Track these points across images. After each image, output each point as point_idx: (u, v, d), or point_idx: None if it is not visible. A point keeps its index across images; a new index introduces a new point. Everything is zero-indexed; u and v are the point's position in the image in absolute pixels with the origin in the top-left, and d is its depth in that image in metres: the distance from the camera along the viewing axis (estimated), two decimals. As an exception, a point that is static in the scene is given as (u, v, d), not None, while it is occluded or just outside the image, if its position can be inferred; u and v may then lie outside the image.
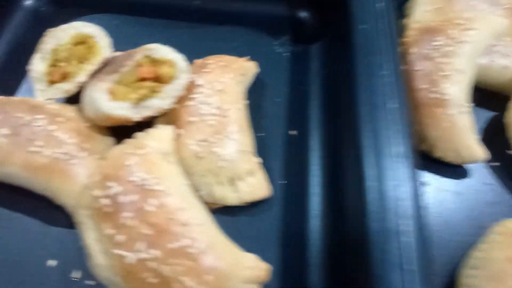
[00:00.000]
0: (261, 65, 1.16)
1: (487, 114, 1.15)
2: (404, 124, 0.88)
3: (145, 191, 0.80)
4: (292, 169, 1.04)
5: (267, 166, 1.01)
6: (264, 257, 0.84)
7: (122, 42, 1.16)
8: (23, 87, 1.15)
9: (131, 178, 0.81)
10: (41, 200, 0.92)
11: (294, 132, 1.10)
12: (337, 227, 0.92)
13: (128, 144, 0.88)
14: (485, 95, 1.15)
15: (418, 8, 1.29)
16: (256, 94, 1.15)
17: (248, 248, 0.85)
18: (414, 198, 0.79)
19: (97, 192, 0.81)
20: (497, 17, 1.17)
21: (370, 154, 0.85)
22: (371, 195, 0.80)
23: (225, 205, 0.94)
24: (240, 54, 1.22)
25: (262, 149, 1.04)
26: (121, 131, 0.99)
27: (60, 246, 0.90)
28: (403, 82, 0.95)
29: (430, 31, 1.12)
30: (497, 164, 1.06)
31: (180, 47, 1.23)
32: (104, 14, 1.33)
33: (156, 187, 0.80)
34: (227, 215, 0.95)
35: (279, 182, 1.01)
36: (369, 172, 0.83)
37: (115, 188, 0.80)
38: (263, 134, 1.08)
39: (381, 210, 0.78)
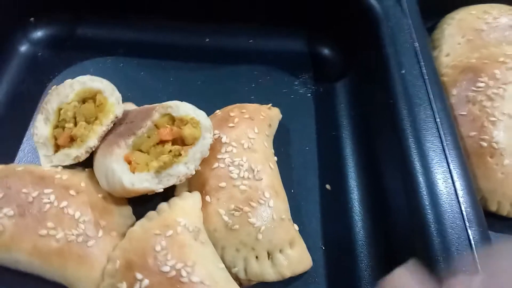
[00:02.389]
0: (284, 108, 1.07)
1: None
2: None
3: (179, 283, 0.69)
4: (332, 229, 0.93)
5: (302, 229, 0.90)
6: None
7: (130, 88, 1.06)
8: (25, 146, 1.03)
9: (162, 268, 0.69)
10: (55, 286, 0.80)
11: (329, 187, 0.99)
12: None
13: (152, 222, 0.77)
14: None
15: (447, 40, 1.20)
16: (282, 143, 1.05)
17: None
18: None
19: (122, 285, 0.70)
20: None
21: (430, 216, 0.76)
22: (435, 250, 0.72)
23: (262, 281, 0.83)
24: (259, 96, 1.14)
25: (295, 208, 0.93)
26: (138, 197, 0.88)
27: None
28: (456, 131, 0.86)
29: (470, 71, 1.03)
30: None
31: (193, 91, 1.15)
32: (107, 56, 1.22)
33: (192, 278, 0.69)
34: (266, 293, 0.84)
35: (320, 246, 0.91)
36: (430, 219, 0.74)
37: (144, 281, 0.69)
38: (295, 190, 0.97)
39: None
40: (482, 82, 0.98)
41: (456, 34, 1.18)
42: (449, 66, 1.07)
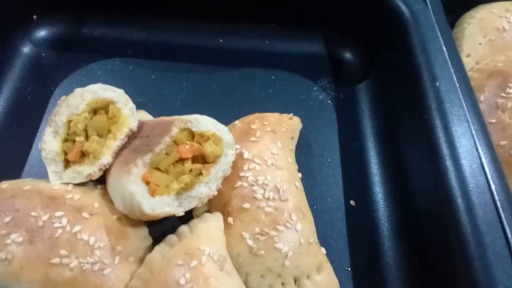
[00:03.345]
0: (303, 116, 1.01)
1: None
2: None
3: (206, 321, 0.63)
4: (359, 249, 0.89)
5: (329, 250, 0.86)
6: None
7: (140, 93, 1.01)
8: (32, 156, 0.96)
9: (188, 305, 0.64)
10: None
11: (353, 203, 0.94)
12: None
13: (174, 249, 0.72)
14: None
15: (467, 40, 1.16)
16: (303, 155, 1.00)
17: None
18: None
19: (144, 323, 0.65)
20: None
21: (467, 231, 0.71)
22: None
23: (288, 308, 0.78)
24: (276, 102, 1.09)
25: (320, 227, 0.88)
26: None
27: None
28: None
29: (498, 75, 0.99)
30: None
31: (207, 97, 1.09)
32: (115, 58, 1.15)
33: (220, 315, 0.64)
34: (293, 320, 0.79)
35: (346, 268, 0.86)
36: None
37: (169, 319, 0.64)
38: (318, 207, 0.92)
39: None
40: (511, 88, 0.93)
41: (477, 34, 1.14)
42: (474, 70, 1.03)
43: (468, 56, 1.14)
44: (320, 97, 1.12)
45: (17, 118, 1.02)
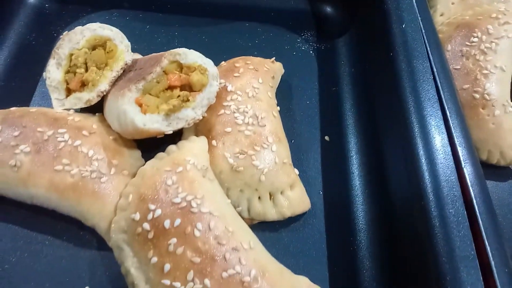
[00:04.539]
0: (286, 64, 1.10)
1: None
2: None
3: (189, 213, 0.73)
4: (331, 176, 0.98)
5: (303, 176, 0.96)
6: (313, 275, 0.80)
7: (136, 41, 1.08)
8: (37, 93, 1.06)
9: (174, 200, 0.74)
10: (70, 222, 0.85)
11: (328, 138, 1.04)
12: (388, 236, 0.87)
13: (163, 160, 0.82)
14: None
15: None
16: (284, 97, 1.09)
17: (294, 268, 0.80)
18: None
19: (136, 215, 0.75)
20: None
21: (423, 158, 0.80)
22: (429, 197, 0.76)
23: (263, 221, 0.88)
24: (262, 52, 1.16)
25: (297, 157, 0.98)
26: (146, 142, 0.92)
27: (93, 271, 0.83)
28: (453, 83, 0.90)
29: (464, 27, 1.08)
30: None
31: (198, 45, 1.15)
32: (112, 10, 1.24)
33: (201, 209, 0.74)
34: (267, 231, 0.90)
35: (318, 192, 0.96)
36: (425, 174, 0.78)
37: (157, 211, 0.74)
38: (296, 141, 1.02)
39: (440, 205, 0.74)
40: (475, 37, 1.02)
41: (451, -6, 1.21)
42: (444, 24, 1.11)
43: (442, 15, 1.22)
44: (303, 48, 1.21)
45: (23, 60, 1.11)
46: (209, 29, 1.22)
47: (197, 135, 0.92)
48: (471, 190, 0.75)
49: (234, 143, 0.88)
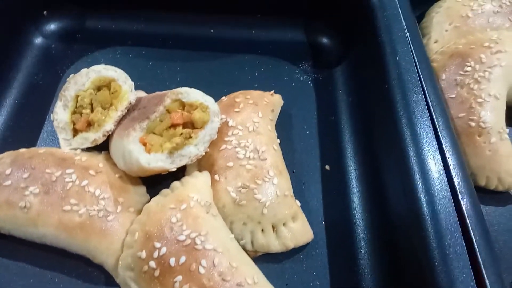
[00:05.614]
0: (285, 95, 1.13)
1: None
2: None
3: (194, 250, 0.76)
4: (332, 206, 1.00)
5: (304, 206, 0.97)
6: (317, 307, 0.81)
7: (139, 77, 1.13)
8: (44, 132, 1.09)
9: (178, 237, 0.76)
10: (78, 260, 0.87)
11: (328, 167, 1.06)
12: (391, 267, 0.89)
13: (167, 198, 0.84)
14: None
15: (435, 27, 1.27)
16: (284, 128, 1.12)
17: (299, 299, 0.82)
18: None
19: (142, 253, 0.77)
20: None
21: (421, 189, 0.82)
22: (428, 229, 0.77)
23: (267, 252, 0.90)
24: (262, 84, 1.20)
25: (298, 187, 1.00)
26: (151, 178, 0.95)
27: (102, 308, 0.85)
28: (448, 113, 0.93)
29: (458, 56, 1.10)
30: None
31: (199, 80, 1.22)
32: (116, 47, 1.28)
33: (206, 246, 0.76)
34: (271, 263, 0.91)
35: (320, 221, 0.98)
36: (423, 205, 0.80)
37: (162, 249, 0.76)
38: (297, 171, 1.04)
39: (439, 237, 0.75)
40: (469, 66, 1.05)
41: (444, 22, 1.24)
42: (438, 52, 1.14)
43: (436, 42, 1.25)
44: (301, 79, 1.24)
45: (31, 100, 1.15)
46: (210, 63, 1.26)
47: (200, 170, 0.95)
48: (468, 221, 0.77)
49: (236, 177, 0.90)
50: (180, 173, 0.95)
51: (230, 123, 0.97)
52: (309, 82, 1.24)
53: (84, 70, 0.97)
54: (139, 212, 0.87)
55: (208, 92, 0.94)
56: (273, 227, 0.90)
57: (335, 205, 1.01)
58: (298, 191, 1.00)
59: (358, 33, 1.20)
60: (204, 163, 0.95)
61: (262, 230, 0.89)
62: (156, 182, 0.96)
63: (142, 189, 0.95)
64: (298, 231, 0.91)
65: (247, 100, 1.03)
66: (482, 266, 0.71)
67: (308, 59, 1.28)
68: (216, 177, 0.91)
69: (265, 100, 1.05)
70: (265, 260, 0.91)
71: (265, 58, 1.28)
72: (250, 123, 0.98)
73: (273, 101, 1.07)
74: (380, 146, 1.02)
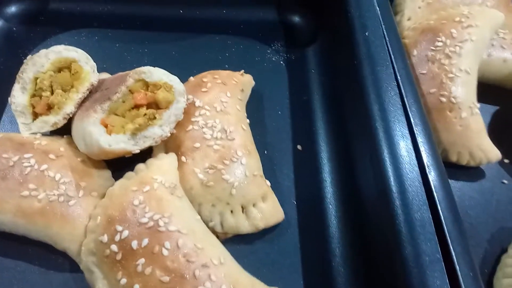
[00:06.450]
0: (257, 76, 1.10)
1: (490, 109, 1.13)
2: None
3: (157, 233, 0.73)
4: (304, 185, 0.99)
5: (276, 186, 0.96)
6: (288, 286, 0.81)
7: (105, 60, 1.09)
8: (5, 118, 1.05)
9: (141, 220, 0.74)
10: (40, 246, 0.84)
11: (300, 147, 1.04)
12: (360, 242, 0.88)
13: (130, 180, 0.82)
14: (485, 89, 1.09)
15: (408, 4, 1.26)
16: (256, 108, 1.09)
17: (270, 279, 0.81)
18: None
19: (104, 237, 0.74)
20: (494, 10, 1.15)
21: (389, 165, 0.81)
22: (395, 202, 0.76)
23: (237, 234, 0.88)
24: (233, 65, 1.17)
25: (270, 168, 0.98)
26: (116, 162, 0.92)
27: (66, 295, 0.82)
28: (417, 88, 0.91)
29: (429, 31, 1.09)
30: (507, 161, 1.04)
31: (168, 61, 1.18)
32: (81, 29, 1.23)
33: (169, 227, 0.74)
34: (242, 244, 0.89)
35: (292, 201, 0.96)
36: (391, 180, 0.79)
37: (124, 232, 0.73)
38: (269, 151, 1.02)
39: (406, 211, 0.74)
40: (440, 41, 1.04)
41: (418, -1, 1.23)
42: (410, 29, 1.12)
43: (409, 19, 1.23)
44: (273, 59, 1.22)
45: (-9, 84, 1.10)
46: (179, 44, 1.22)
47: (167, 152, 0.92)
48: (436, 195, 0.76)
49: (204, 158, 0.88)
50: (147, 156, 0.93)
51: (197, 103, 0.94)
52: (281, 62, 1.21)
53: (43, 51, 0.93)
54: (103, 196, 0.84)
55: (177, 74, 0.91)
56: (243, 208, 0.88)
57: (307, 184, 0.99)
58: (270, 172, 0.98)
59: (329, 11, 1.18)
60: (171, 145, 0.92)
61: (232, 211, 0.88)
62: (122, 166, 0.93)
63: (107, 173, 0.92)
64: (268, 211, 0.89)
65: (215, 80, 1.00)
66: (448, 239, 0.70)
67: (280, 38, 1.26)
68: (183, 158, 0.89)
69: (234, 80, 1.02)
70: (235, 241, 0.89)
71: (236, 38, 1.24)
72: (217, 103, 0.95)
73: (243, 81, 1.05)
74: (351, 124, 1.01)
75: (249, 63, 1.19)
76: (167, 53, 1.20)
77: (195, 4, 1.28)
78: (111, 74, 1.05)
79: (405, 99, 0.90)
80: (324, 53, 1.20)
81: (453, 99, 0.97)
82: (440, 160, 0.85)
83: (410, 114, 0.88)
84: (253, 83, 1.09)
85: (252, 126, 1.00)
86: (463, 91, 0.98)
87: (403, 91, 0.91)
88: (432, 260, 0.68)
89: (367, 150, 0.87)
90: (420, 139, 0.85)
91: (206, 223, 0.86)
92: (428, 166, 0.80)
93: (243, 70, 1.08)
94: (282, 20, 1.29)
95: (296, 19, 1.28)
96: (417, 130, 0.85)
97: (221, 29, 1.25)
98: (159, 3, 1.28)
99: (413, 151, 0.81)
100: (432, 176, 0.79)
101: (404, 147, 0.82)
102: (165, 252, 0.71)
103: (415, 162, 0.80)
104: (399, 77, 0.93)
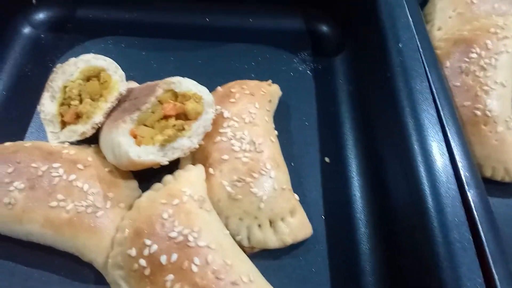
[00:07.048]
0: (283, 85, 1.09)
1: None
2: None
3: (186, 248, 0.72)
4: (332, 199, 0.96)
5: (303, 199, 0.93)
6: (316, 305, 0.78)
7: (132, 68, 1.08)
8: (33, 126, 1.05)
9: (170, 234, 0.73)
10: (66, 257, 0.84)
11: (328, 160, 1.02)
12: (392, 261, 0.85)
13: (159, 192, 0.80)
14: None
15: (439, 14, 1.23)
16: (283, 119, 1.07)
17: (298, 296, 0.78)
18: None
19: (132, 251, 0.73)
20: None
21: (425, 181, 0.78)
22: (433, 223, 0.73)
23: (265, 249, 0.86)
24: (259, 74, 1.15)
25: (297, 181, 0.96)
26: (142, 172, 0.91)
27: (91, 308, 0.81)
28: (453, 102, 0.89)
29: (463, 42, 1.06)
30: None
31: (193, 70, 1.17)
32: (107, 37, 1.23)
33: (198, 243, 0.72)
34: (269, 259, 0.87)
35: (320, 216, 0.94)
36: (429, 199, 0.76)
37: (153, 246, 0.72)
38: (295, 164, 1.00)
39: (445, 231, 0.72)
40: (474, 53, 1.01)
41: (447, 8, 1.20)
42: (442, 39, 1.10)
43: (439, 29, 1.21)
44: (300, 69, 1.20)
45: (19, 92, 1.10)
46: (205, 53, 1.21)
47: (194, 164, 0.91)
48: (476, 214, 0.73)
49: (232, 170, 0.86)
50: (174, 167, 0.91)
51: (225, 114, 0.93)
52: (308, 72, 1.19)
53: (72, 60, 0.92)
54: (130, 207, 0.83)
55: (203, 83, 0.90)
56: (271, 222, 0.86)
57: (335, 199, 0.97)
58: (297, 185, 0.96)
59: (358, 20, 1.15)
60: (199, 156, 0.91)
61: (259, 226, 0.86)
62: (149, 177, 0.92)
63: (134, 184, 0.91)
64: (296, 226, 0.87)
65: (243, 90, 0.98)
66: (490, 261, 0.67)
67: (307, 48, 1.24)
68: (211, 170, 0.87)
69: (262, 90, 1.01)
70: (262, 256, 0.87)
71: (263, 47, 1.23)
72: (246, 114, 0.93)
73: (271, 91, 1.03)
74: (382, 137, 0.98)
75: (275, 72, 1.18)
76: (193, 62, 1.19)
77: (222, 12, 1.27)
78: (138, 82, 1.04)
79: (441, 113, 0.87)
80: (352, 63, 1.18)
81: (488, 113, 0.94)
82: (479, 175, 0.82)
83: (446, 128, 0.85)
84: (280, 93, 1.07)
85: (279, 137, 0.98)
86: (499, 104, 0.95)
87: (438, 104, 0.88)
88: (474, 285, 0.65)
89: (401, 165, 0.85)
90: (458, 154, 0.82)
91: (233, 237, 0.84)
92: (467, 183, 0.77)
93: (270, 80, 1.06)
94: (309, 29, 1.27)
95: (324, 28, 1.26)
96: (454, 145, 0.83)
97: (247, 38, 1.24)
98: (185, 11, 1.27)
99: (451, 167, 0.78)
100: (471, 193, 0.76)
101: (441, 163, 0.79)
102: (194, 268, 0.70)
103: (453, 178, 0.77)
104: (434, 90, 0.91)
